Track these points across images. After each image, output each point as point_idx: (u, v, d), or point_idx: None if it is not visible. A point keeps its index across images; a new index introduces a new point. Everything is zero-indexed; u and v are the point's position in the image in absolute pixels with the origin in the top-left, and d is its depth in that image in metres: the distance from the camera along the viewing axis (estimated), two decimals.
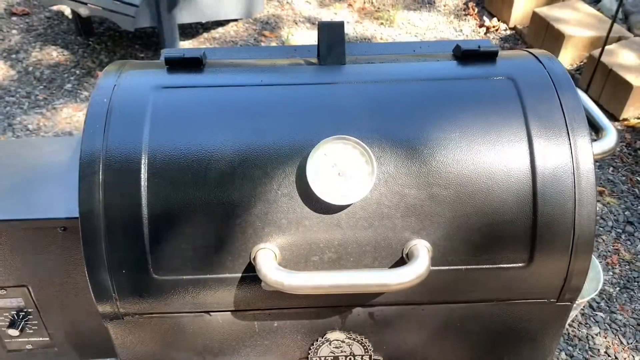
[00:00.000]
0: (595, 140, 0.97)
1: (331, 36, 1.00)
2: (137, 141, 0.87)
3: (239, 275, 0.88)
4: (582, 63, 3.85)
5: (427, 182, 0.86)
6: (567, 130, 0.89)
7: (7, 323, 1.12)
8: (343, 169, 0.85)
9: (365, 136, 0.87)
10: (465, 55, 1.00)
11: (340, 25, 1.00)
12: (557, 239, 0.89)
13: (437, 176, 0.87)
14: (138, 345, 0.98)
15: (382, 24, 4.40)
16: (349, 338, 0.99)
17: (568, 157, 0.88)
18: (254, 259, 0.86)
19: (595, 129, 1.02)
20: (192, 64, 0.98)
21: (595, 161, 0.90)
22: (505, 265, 0.90)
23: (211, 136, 0.88)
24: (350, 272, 0.83)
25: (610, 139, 0.98)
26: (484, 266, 0.90)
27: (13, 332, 1.11)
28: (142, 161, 0.86)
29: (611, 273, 2.49)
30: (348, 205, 0.86)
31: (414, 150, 0.87)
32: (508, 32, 4.34)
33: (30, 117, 3.27)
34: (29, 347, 1.18)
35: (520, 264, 0.90)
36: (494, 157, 0.88)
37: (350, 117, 0.89)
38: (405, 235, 0.87)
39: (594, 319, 2.29)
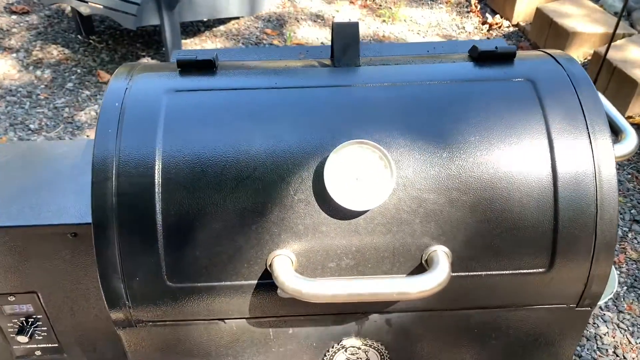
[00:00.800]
0: (615, 142, 0.96)
1: (345, 37, 0.98)
2: (151, 146, 0.85)
3: (255, 282, 0.87)
4: (586, 60, 3.83)
5: (446, 187, 0.85)
6: (589, 133, 0.87)
7: (16, 329, 1.10)
8: (361, 174, 0.83)
9: (384, 140, 0.85)
10: (482, 56, 0.98)
11: (354, 26, 0.98)
12: (578, 243, 0.87)
13: (456, 181, 0.85)
14: (151, 353, 0.97)
15: (384, 21, 4.38)
16: (365, 345, 0.97)
17: (589, 161, 0.86)
18: (270, 265, 0.85)
19: (615, 131, 1.00)
20: (205, 66, 0.96)
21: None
22: (525, 271, 0.88)
23: (226, 141, 0.86)
24: (370, 280, 0.81)
25: (630, 142, 0.96)
26: (504, 272, 0.88)
27: (22, 338, 1.09)
28: (156, 167, 0.84)
29: (618, 272, 2.47)
30: (366, 211, 0.84)
31: (433, 155, 0.85)
32: (511, 29, 4.32)
33: (31, 116, 3.24)
34: (37, 353, 1.16)
35: (540, 270, 0.88)
36: (514, 161, 0.86)
37: (368, 121, 0.88)
38: (425, 241, 0.85)
39: (602, 319, 2.28)
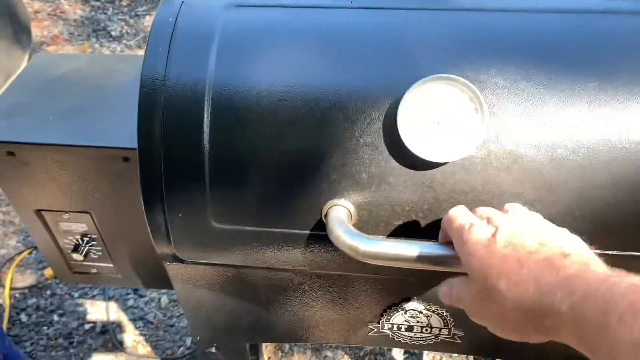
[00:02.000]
0: None
1: None
2: (202, 70, 0.74)
3: (308, 232, 0.77)
4: None
5: (550, 142, 0.68)
6: None
7: (72, 247, 1.09)
8: (444, 118, 0.69)
9: (477, 77, 0.69)
10: None
11: None
12: None
13: (564, 136, 0.68)
14: (197, 290, 0.91)
15: None
16: (428, 309, 0.86)
17: None
18: (326, 215, 0.73)
19: None
20: None
21: None
22: (635, 253, 0.72)
23: (287, 67, 0.73)
24: (441, 247, 0.68)
25: None
26: (607, 252, 0.72)
27: (77, 256, 1.08)
28: (206, 95, 0.73)
29: None
30: (446, 163, 0.70)
31: (538, 100, 0.68)
32: None
33: (113, 23, 3.24)
34: (94, 270, 1.15)
35: None
36: None
37: (460, 52, 0.71)
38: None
39: None
